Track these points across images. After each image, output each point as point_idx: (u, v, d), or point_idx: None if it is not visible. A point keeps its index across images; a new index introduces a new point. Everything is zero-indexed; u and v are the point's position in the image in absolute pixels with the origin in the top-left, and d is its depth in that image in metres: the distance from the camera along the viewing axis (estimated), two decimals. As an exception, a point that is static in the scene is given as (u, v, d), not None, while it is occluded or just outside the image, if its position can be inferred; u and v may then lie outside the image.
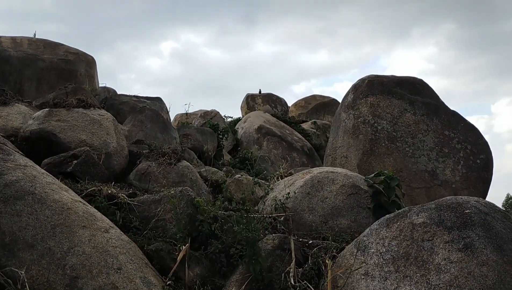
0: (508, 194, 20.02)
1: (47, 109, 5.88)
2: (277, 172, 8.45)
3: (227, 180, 6.35)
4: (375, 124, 8.18)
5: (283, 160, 15.97)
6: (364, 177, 4.96)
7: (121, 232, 3.79)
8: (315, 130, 19.02)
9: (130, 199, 4.20)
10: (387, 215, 3.78)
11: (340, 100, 9.78)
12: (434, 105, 8.40)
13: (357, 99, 8.66)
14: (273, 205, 4.46)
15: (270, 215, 4.49)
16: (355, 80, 9.05)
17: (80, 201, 3.73)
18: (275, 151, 15.91)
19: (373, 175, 4.96)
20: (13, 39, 11.25)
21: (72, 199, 3.67)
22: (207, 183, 6.29)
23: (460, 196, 3.67)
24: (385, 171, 4.86)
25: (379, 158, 8.02)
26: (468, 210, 3.39)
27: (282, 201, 4.37)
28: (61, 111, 5.84)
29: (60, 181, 4.11)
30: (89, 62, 12.00)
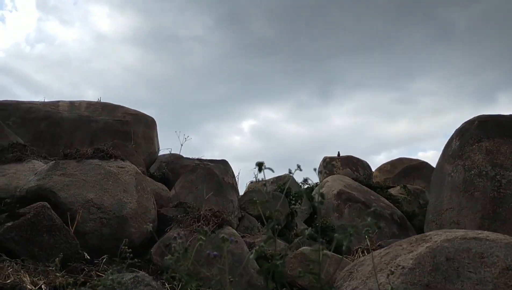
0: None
1: (53, 161, 4.60)
2: (361, 246, 6.44)
3: (288, 254, 4.47)
4: (497, 176, 5.94)
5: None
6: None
7: None
8: (405, 196, 16.43)
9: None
10: None
11: (432, 164, 7.68)
12: None
13: (466, 146, 6.54)
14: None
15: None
16: (442, 148, 6.98)
17: None
18: (359, 219, 13.63)
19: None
20: (72, 103, 10.72)
21: None
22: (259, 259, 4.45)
23: None
24: None
25: (508, 223, 5.70)
26: None
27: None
28: (70, 163, 4.51)
29: None
30: (148, 123, 11.06)
